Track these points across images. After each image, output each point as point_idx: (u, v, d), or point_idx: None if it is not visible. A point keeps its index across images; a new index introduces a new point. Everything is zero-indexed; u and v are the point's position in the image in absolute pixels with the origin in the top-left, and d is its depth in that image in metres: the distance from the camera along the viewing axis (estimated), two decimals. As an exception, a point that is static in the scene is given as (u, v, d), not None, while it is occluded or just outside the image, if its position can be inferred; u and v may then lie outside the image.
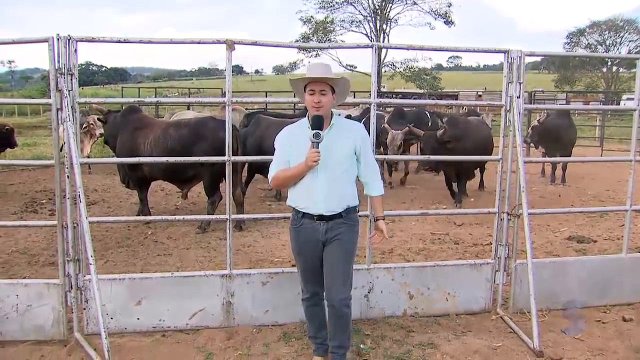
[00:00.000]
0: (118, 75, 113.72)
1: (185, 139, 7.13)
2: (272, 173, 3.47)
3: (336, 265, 3.40)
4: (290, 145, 3.42)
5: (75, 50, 3.83)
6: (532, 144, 12.09)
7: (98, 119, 8.82)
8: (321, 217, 3.37)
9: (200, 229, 7.36)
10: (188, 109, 13.06)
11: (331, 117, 3.42)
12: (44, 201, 9.24)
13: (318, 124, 3.24)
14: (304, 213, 3.42)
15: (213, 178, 7.29)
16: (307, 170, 3.29)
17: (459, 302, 4.70)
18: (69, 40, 3.80)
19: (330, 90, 3.33)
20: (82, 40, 3.87)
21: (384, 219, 3.59)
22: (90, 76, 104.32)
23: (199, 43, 4.17)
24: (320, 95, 3.28)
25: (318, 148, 3.21)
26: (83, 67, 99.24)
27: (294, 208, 3.50)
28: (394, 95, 35.45)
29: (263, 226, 7.67)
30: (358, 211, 3.57)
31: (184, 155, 6.72)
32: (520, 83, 4.41)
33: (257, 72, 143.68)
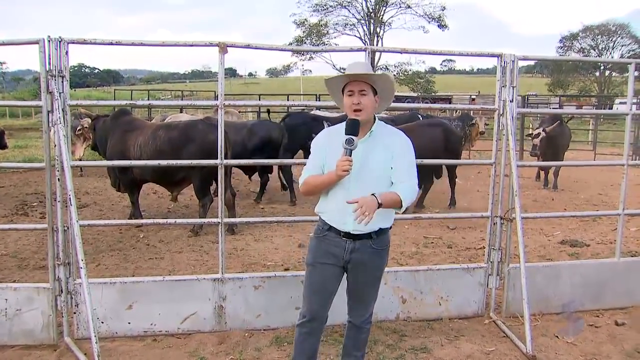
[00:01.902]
0: (111, 78, 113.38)
1: (174, 141, 7.12)
2: (303, 177, 3.10)
3: (362, 291, 3.18)
4: (326, 150, 3.06)
5: (67, 52, 3.81)
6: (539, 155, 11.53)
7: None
8: (348, 235, 3.05)
9: (193, 232, 7.34)
10: (181, 111, 13.04)
11: (373, 123, 3.06)
12: (35, 204, 9.19)
13: (352, 128, 2.88)
14: (330, 226, 3.08)
15: (203, 181, 7.29)
16: (337, 180, 2.92)
17: (452, 307, 4.70)
18: (60, 42, 3.78)
19: (372, 91, 2.98)
20: (73, 42, 3.85)
21: (377, 199, 2.80)
22: (83, 78, 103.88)
23: (191, 46, 4.16)
24: (360, 95, 2.94)
25: (350, 156, 2.84)
26: (75, 68, 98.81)
27: (320, 218, 3.18)
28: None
29: (256, 229, 7.66)
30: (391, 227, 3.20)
31: (174, 157, 6.74)
32: (513, 87, 4.42)
33: (250, 74, 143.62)
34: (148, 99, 28.45)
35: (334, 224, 3.07)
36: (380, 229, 3.06)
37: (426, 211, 8.81)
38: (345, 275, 3.18)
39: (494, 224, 4.69)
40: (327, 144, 3.07)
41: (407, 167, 3.04)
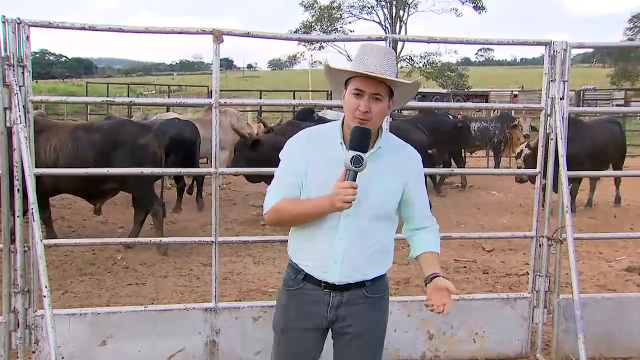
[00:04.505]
0: (82, 68, 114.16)
1: (99, 144, 7.20)
2: (271, 200, 2.62)
3: None
4: (307, 161, 2.58)
5: (28, 37, 3.80)
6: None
7: None
8: (332, 286, 2.60)
9: (160, 251, 7.49)
10: (167, 110, 13.09)
11: (377, 135, 2.59)
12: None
13: (361, 142, 2.40)
14: (306, 274, 2.64)
15: (146, 189, 7.48)
16: (331, 211, 2.45)
17: (489, 345, 4.65)
18: (18, 24, 3.76)
19: (388, 96, 2.49)
20: (35, 25, 3.85)
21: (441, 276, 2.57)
22: (47, 67, 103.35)
23: (180, 33, 4.18)
24: (372, 100, 2.42)
25: (355, 180, 2.36)
26: (37, 55, 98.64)
27: (291, 261, 2.74)
28: (412, 96, 35.39)
29: (255, 250, 7.66)
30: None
31: (98, 163, 6.81)
32: (564, 81, 4.38)
33: (250, 67, 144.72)
34: (128, 95, 28.74)
35: (310, 271, 2.63)
36: (375, 275, 2.65)
37: (457, 229, 8.76)
38: (329, 338, 2.75)
39: (540, 245, 4.65)
40: (310, 152, 2.61)
41: (425, 198, 2.77)
